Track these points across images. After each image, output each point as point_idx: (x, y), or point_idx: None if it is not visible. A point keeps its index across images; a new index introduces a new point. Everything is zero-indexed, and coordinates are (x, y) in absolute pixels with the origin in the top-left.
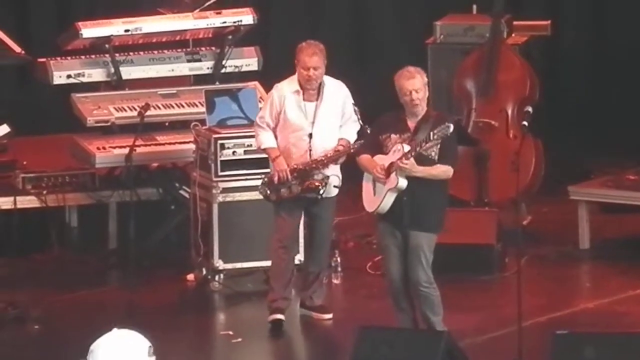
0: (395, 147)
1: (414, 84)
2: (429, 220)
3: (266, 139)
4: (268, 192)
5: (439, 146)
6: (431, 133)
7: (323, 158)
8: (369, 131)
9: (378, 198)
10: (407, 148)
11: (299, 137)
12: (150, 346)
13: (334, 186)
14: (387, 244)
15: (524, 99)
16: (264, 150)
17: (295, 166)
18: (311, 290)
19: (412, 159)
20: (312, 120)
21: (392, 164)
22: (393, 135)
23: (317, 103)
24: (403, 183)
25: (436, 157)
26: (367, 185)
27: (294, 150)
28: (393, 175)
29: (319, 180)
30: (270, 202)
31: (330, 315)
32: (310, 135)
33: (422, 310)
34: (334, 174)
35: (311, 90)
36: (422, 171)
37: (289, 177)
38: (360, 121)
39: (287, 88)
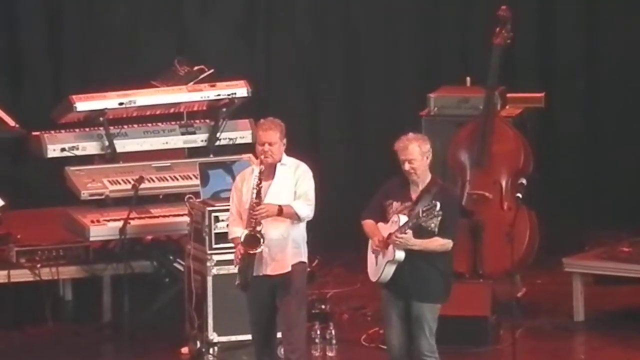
0: (393, 218)
1: (407, 154)
2: (431, 290)
3: (231, 230)
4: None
5: (439, 218)
6: (420, 211)
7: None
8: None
9: (379, 268)
10: (403, 220)
11: None
12: None
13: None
14: (388, 313)
15: (518, 171)
16: (232, 241)
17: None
18: None
19: (408, 233)
20: (263, 198)
21: (390, 235)
22: (395, 203)
23: (270, 182)
24: (400, 255)
25: (436, 229)
26: (371, 254)
27: None
28: (391, 247)
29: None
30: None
31: None
32: None
33: None
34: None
35: (268, 169)
36: (419, 245)
37: (242, 249)
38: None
39: (248, 170)
